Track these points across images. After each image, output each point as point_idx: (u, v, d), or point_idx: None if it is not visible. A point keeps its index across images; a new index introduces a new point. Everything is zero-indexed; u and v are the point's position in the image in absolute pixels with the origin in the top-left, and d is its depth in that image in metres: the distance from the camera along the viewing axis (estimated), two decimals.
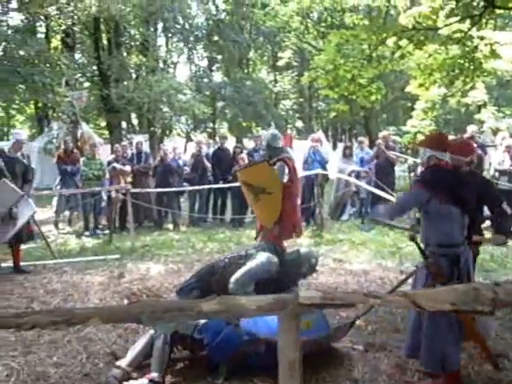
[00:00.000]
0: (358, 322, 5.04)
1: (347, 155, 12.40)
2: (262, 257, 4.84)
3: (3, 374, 4.38)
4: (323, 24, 27.56)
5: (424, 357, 3.98)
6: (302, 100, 36.26)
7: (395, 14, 20.08)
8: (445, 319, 3.84)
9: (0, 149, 7.70)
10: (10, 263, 8.34)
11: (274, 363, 3.97)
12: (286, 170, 5.76)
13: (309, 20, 27.73)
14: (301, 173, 11.50)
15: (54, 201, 11.72)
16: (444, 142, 4.33)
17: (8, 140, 31.77)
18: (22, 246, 8.01)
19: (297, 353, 2.80)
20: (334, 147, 26.34)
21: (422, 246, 4.13)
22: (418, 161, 9.52)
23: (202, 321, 4.35)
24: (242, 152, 11.87)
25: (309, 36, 27.89)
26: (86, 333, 5.12)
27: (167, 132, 30.02)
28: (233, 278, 4.68)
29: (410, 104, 23.75)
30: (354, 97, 10.79)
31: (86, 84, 25.11)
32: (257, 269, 4.75)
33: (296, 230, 5.84)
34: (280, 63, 36.92)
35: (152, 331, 4.37)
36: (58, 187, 11.44)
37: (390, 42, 9.06)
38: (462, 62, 9.39)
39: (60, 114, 18.32)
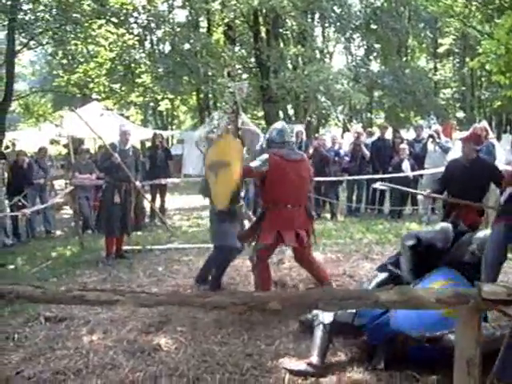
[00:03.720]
0: None
1: None
2: (438, 225, 4.76)
3: (173, 347, 4.62)
4: (490, 6, 25.82)
5: None
6: (463, 89, 34.40)
7: None
8: None
9: (112, 143, 8.03)
10: (177, 244, 8.89)
11: (439, 358, 3.86)
12: (264, 157, 5.33)
13: (474, 3, 26.14)
14: None
15: None
16: None
17: (172, 130, 33.85)
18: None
19: (477, 350, 2.63)
20: (499, 138, 24.69)
21: None
22: None
23: None
24: (402, 142, 11.51)
25: (474, 20, 26.32)
26: (248, 315, 5.21)
27: (323, 122, 30.07)
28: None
29: None
30: None
31: (245, 75, 25.86)
32: (430, 234, 4.64)
33: (282, 238, 5.35)
34: (440, 50, 35.31)
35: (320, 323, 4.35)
36: None
37: None
38: None
39: (223, 103, 19.06)
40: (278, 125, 5.78)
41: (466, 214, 5.88)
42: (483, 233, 4.53)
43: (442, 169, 10.38)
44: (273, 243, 5.46)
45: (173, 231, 10.00)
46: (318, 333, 4.23)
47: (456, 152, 11.53)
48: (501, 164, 11.58)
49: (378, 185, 10.00)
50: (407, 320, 3.97)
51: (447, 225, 4.71)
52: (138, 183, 8.13)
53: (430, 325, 3.91)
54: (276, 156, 5.34)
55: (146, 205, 11.00)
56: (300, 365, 4.13)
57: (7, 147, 15.67)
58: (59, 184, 16.04)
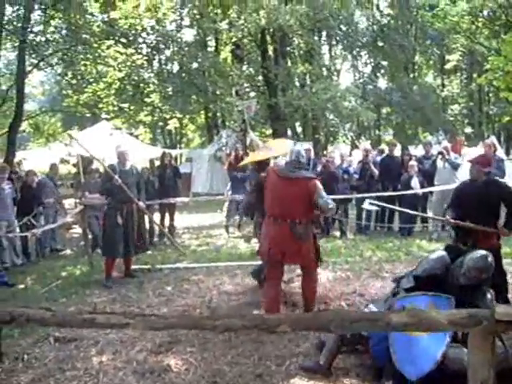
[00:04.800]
0: None
1: None
2: (435, 254, 4.80)
3: (182, 367, 4.59)
4: (497, 23, 25.89)
5: None
6: (471, 104, 34.34)
7: None
8: None
9: (112, 165, 8.05)
10: (186, 264, 8.87)
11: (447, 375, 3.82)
12: None
13: (481, 19, 26.22)
14: None
15: (225, 206, 12.22)
16: None
17: (180, 148, 34.00)
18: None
19: (490, 372, 2.58)
20: (507, 153, 24.64)
21: None
22: None
23: None
24: (411, 159, 11.47)
25: (480, 36, 26.37)
26: (258, 335, 5.19)
27: (331, 139, 30.09)
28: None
29: None
30: None
31: (252, 94, 25.96)
32: (429, 264, 4.69)
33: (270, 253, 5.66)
34: (448, 66, 35.32)
35: None
36: (229, 193, 11.85)
37: None
38: None
39: (232, 122, 19.12)
40: (297, 147, 6.60)
41: (483, 238, 5.74)
42: (473, 254, 4.51)
43: (452, 186, 10.36)
44: (275, 259, 5.64)
45: (183, 250, 9.98)
46: (332, 336, 4.41)
47: (466, 168, 11.50)
48: (510, 179, 11.53)
49: (366, 204, 9.98)
50: (407, 367, 3.98)
51: (442, 252, 4.76)
52: (141, 203, 8.07)
53: (428, 359, 3.92)
54: (272, 170, 5.88)
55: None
56: (309, 363, 4.52)
57: (19, 163, 15.74)
58: (69, 203, 16.10)
